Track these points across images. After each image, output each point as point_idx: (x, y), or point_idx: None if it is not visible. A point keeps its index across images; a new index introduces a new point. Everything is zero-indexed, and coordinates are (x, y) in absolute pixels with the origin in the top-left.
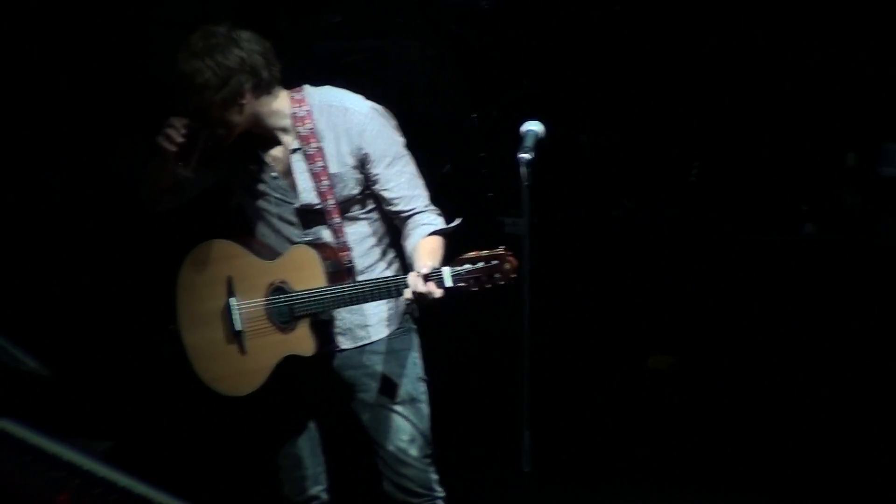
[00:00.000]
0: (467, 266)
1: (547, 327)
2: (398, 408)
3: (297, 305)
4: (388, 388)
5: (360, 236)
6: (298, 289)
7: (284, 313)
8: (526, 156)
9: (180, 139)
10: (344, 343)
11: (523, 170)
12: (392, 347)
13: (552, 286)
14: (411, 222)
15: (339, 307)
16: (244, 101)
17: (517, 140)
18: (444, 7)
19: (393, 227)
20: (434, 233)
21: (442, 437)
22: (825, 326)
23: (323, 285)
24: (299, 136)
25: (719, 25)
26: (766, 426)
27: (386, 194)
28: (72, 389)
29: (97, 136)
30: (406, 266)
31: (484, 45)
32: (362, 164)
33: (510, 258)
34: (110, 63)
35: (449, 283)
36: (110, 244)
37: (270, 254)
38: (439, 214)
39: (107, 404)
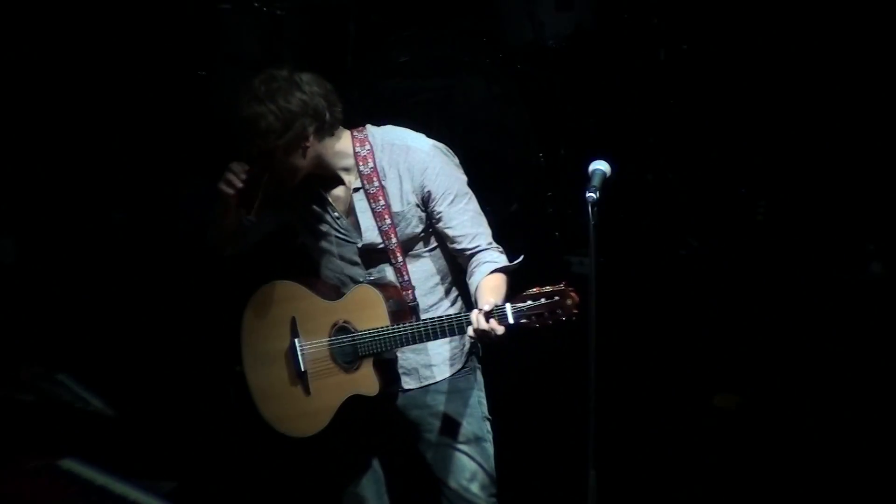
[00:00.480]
0: (529, 302)
1: (613, 366)
2: (462, 447)
3: (360, 345)
4: (453, 427)
5: (424, 274)
6: (362, 328)
7: (348, 353)
8: (593, 195)
9: (240, 184)
10: (409, 383)
11: (590, 209)
12: (456, 387)
13: (618, 325)
14: (474, 260)
15: (402, 346)
16: (308, 144)
17: (584, 179)
18: (511, 45)
19: (456, 265)
20: (496, 270)
21: (507, 476)
22: (892, 366)
23: (386, 325)
24: (361, 175)
25: (781, 66)
26: (835, 467)
27: (449, 232)
28: (137, 429)
29: (164, 175)
30: (471, 303)
31: (551, 84)
32: (425, 202)
33: (572, 294)
34: (177, 102)
35: (511, 319)
36: (175, 284)
37: (334, 294)
38: (502, 252)
39: (172, 444)
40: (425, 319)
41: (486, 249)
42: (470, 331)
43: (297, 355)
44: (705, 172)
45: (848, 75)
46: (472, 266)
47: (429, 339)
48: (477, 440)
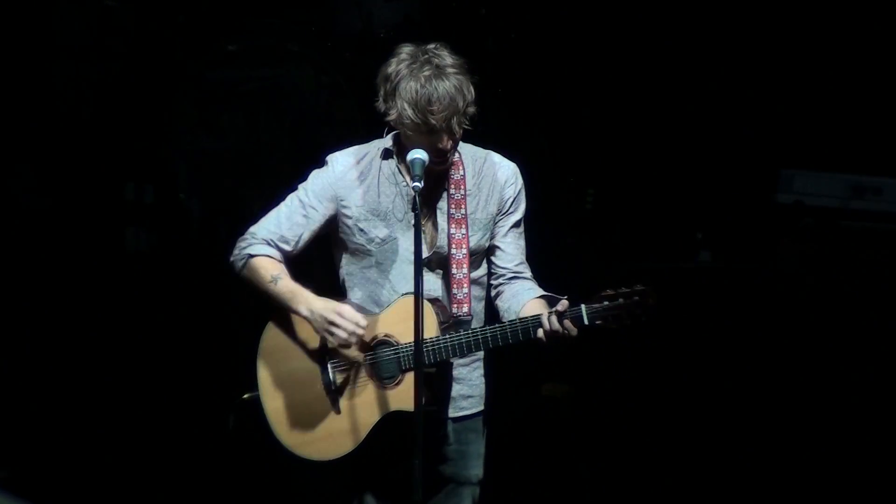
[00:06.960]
0: (606, 303)
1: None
2: (471, 489)
3: (405, 358)
4: (474, 466)
5: (478, 292)
6: (405, 342)
7: (390, 368)
8: (417, 184)
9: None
10: (448, 411)
11: (415, 197)
12: (481, 427)
13: None
14: (518, 284)
15: (456, 356)
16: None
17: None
18: (340, 35)
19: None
20: (543, 296)
21: None
22: (720, 353)
23: (436, 335)
24: (450, 180)
25: (609, 54)
26: (661, 454)
27: (508, 248)
28: None
29: None
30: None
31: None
32: (498, 212)
33: (652, 293)
34: (8, 91)
35: (586, 321)
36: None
37: (368, 307)
38: None
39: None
40: (484, 326)
41: (530, 278)
42: (540, 333)
43: (329, 373)
44: (533, 161)
45: (677, 65)
46: (516, 288)
47: (487, 348)
48: (480, 484)
